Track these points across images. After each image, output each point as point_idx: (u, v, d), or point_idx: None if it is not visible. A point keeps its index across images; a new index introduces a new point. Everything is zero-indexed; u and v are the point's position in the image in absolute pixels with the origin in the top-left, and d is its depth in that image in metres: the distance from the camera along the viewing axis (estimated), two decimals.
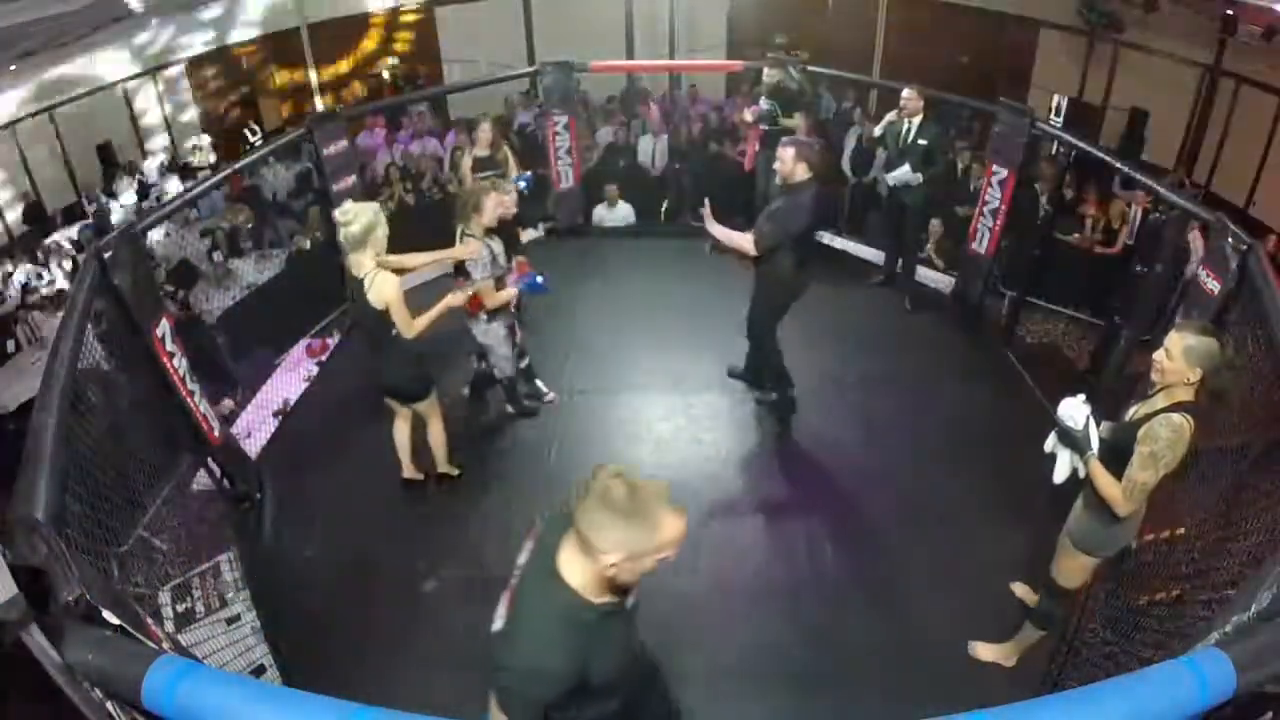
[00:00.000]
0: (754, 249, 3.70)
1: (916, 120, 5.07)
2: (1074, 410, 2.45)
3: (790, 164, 3.66)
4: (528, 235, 6.66)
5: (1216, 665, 1.30)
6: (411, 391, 3.58)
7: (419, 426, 3.75)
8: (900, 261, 5.62)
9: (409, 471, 3.89)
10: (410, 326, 3.23)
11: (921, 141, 5.06)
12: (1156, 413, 2.34)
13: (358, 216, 3.08)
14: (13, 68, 7.21)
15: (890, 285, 5.68)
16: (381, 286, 3.12)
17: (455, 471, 3.94)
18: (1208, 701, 1.28)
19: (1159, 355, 2.36)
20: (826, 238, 6.54)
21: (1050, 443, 2.57)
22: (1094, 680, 1.38)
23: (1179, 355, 2.29)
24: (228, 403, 4.58)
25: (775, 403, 4.33)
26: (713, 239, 3.86)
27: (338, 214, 3.18)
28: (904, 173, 5.12)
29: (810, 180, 3.68)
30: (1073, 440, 2.45)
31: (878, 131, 5.31)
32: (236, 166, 4.48)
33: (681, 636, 3.18)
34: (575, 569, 1.48)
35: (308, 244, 6.26)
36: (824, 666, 3.03)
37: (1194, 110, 8.01)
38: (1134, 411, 2.50)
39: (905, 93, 5.07)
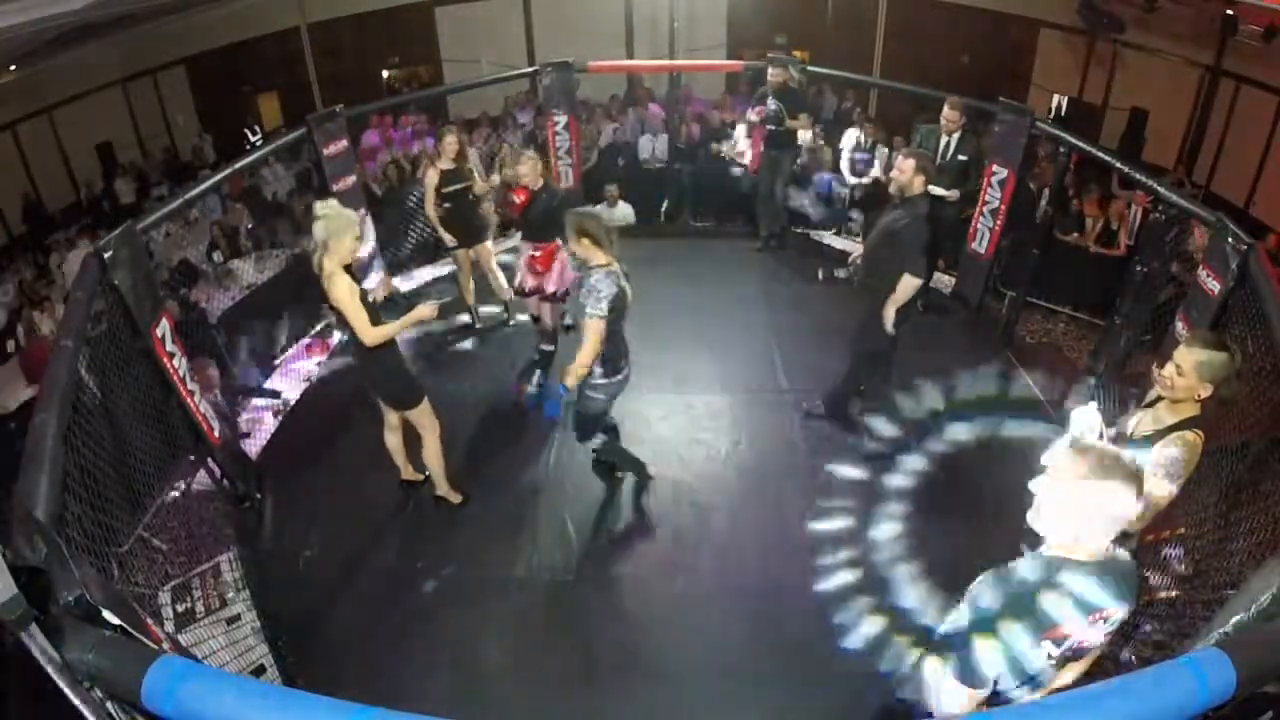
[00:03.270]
0: (918, 278, 3.65)
1: (956, 136, 5.04)
2: (1089, 419, 2.41)
3: (910, 175, 3.60)
4: (518, 238, 6.67)
5: (1216, 665, 1.30)
6: (394, 394, 3.45)
7: (411, 429, 3.63)
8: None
9: (408, 473, 3.88)
10: (367, 330, 3.08)
11: (962, 157, 5.04)
12: (1166, 429, 2.31)
13: (329, 218, 3.02)
14: (13, 68, 7.21)
15: None
16: (332, 287, 3.04)
17: (457, 498, 3.79)
18: (1208, 701, 1.28)
19: (1169, 372, 2.30)
20: (827, 238, 6.55)
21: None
22: (1094, 680, 1.39)
23: (1191, 371, 2.25)
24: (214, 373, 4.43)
25: (825, 415, 4.31)
26: (827, 268, 3.82)
27: (317, 207, 3.09)
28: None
29: (925, 194, 3.66)
30: None
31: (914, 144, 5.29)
32: (236, 166, 4.46)
33: (682, 636, 3.18)
34: None
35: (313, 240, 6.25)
36: (822, 665, 3.03)
37: (1194, 110, 8.02)
38: (1136, 422, 2.47)
39: (947, 111, 5.02)
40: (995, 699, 1.65)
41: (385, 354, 3.25)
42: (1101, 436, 2.40)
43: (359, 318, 3.07)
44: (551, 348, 4.80)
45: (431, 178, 4.67)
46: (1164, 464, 2.26)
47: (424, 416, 3.51)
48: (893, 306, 3.70)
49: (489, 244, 5.13)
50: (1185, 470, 2.26)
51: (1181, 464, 2.25)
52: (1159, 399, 2.42)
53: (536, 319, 4.89)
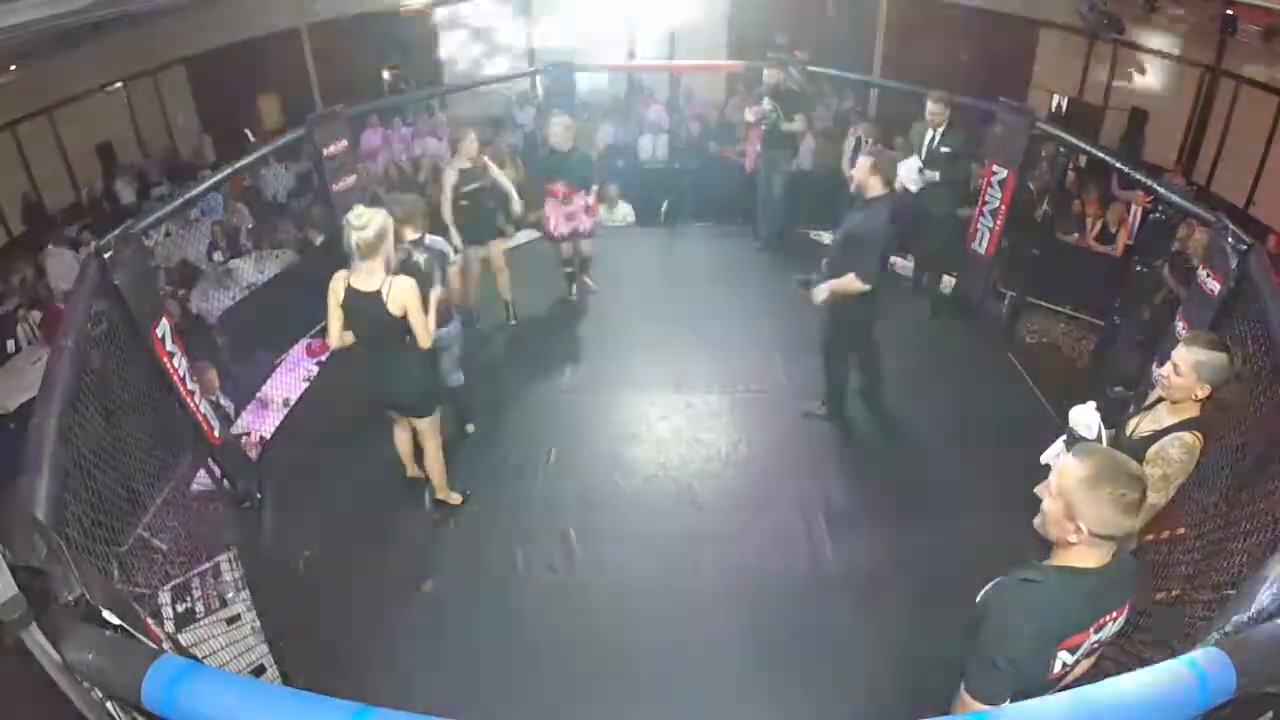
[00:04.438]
0: (866, 284, 3.63)
1: (941, 129, 5.03)
2: (1087, 417, 2.40)
3: (865, 175, 3.57)
4: (521, 237, 6.68)
5: (1216, 665, 1.30)
6: (421, 405, 3.43)
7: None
8: (925, 271, 5.55)
9: (413, 470, 3.88)
10: (426, 332, 3.11)
11: (944, 149, 5.01)
12: (1165, 430, 2.30)
13: (371, 221, 2.93)
14: (13, 68, 7.21)
15: (917, 292, 5.61)
16: (402, 290, 2.98)
17: (457, 499, 3.81)
18: (1208, 701, 1.28)
19: (1167, 371, 2.30)
20: (826, 238, 6.54)
21: (1054, 451, 2.51)
22: (1094, 680, 1.38)
23: (1189, 371, 2.24)
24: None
25: (824, 416, 4.31)
26: (800, 276, 3.85)
27: (351, 217, 2.96)
28: (910, 170, 5.00)
29: (887, 195, 3.62)
30: None
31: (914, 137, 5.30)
32: (236, 166, 4.46)
33: (681, 636, 3.18)
34: None
35: (319, 239, 6.24)
36: (825, 665, 3.03)
37: (1194, 110, 8.01)
38: (1136, 422, 2.47)
39: (931, 105, 5.01)
40: None
41: (421, 363, 3.25)
42: (1100, 435, 2.40)
43: (423, 321, 3.07)
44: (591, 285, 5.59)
45: (450, 177, 4.68)
46: (1160, 465, 2.26)
47: (433, 426, 3.52)
48: (827, 290, 3.72)
49: (500, 242, 5.17)
50: (1181, 472, 2.25)
51: (1178, 465, 2.25)
52: (1159, 400, 2.41)
53: (569, 264, 5.50)
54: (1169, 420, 2.32)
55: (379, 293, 2.99)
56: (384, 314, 3.01)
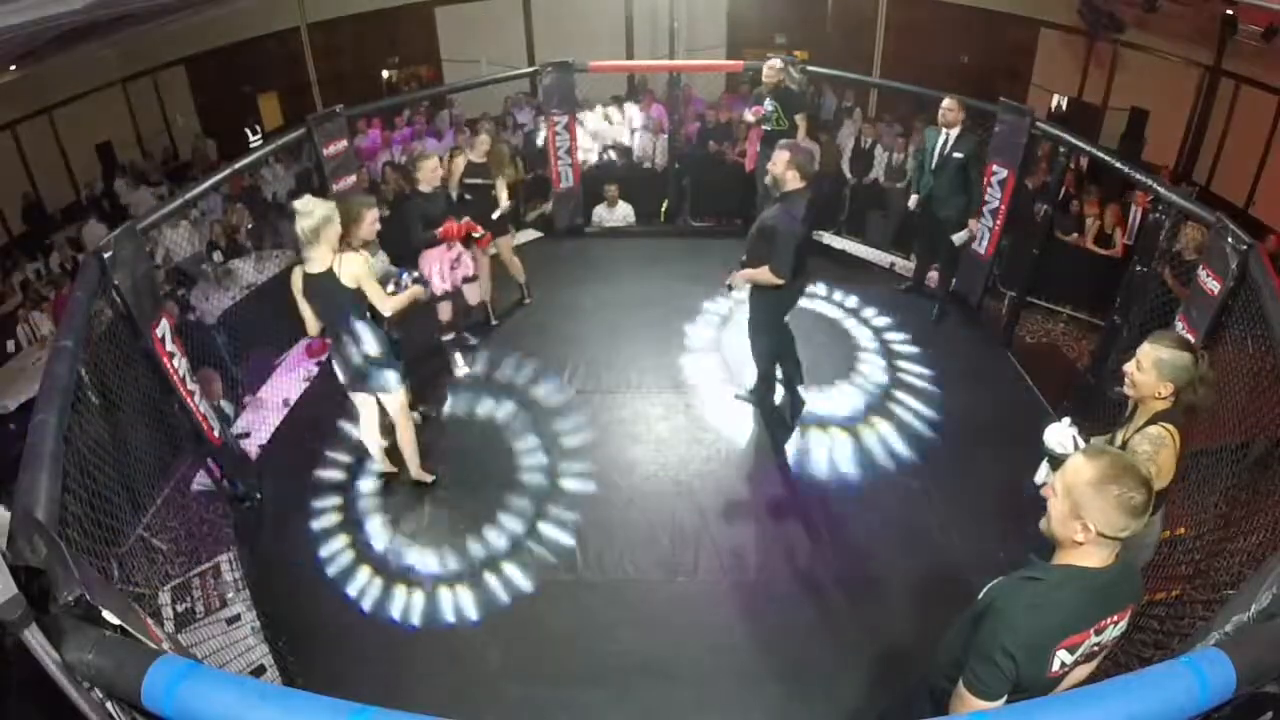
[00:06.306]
0: (779, 278, 3.64)
1: (954, 132, 4.91)
2: (1061, 436, 2.39)
3: (781, 168, 3.57)
4: (523, 237, 6.69)
5: (1216, 665, 1.30)
6: (386, 381, 3.48)
7: (387, 422, 3.71)
8: (928, 273, 5.53)
9: (393, 465, 3.91)
10: (385, 302, 3.27)
11: (958, 155, 4.91)
12: (1138, 431, 2.31)
13: (313, 211, 3.08)
14: (13, 68, 7.21)
15: (918, 292, 5.60)
16: (350, 265, 3.14)
17: (429, 478, 3.87)
18: (1208, 701, 1.28)
19: (1130, 366, 2.33)
20: (826, 238, 6.55)
21: (1042, 474, 2.50)
22: (1094, 680, 1.39)
23: (1150, 368, 2.26)
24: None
25: (753, 403, 4.37)
26: (728, 283, 3.88)
27: (298, 205, 3.13)
28: (964, 235, 5.07)
29: (804, 189, 3.61)
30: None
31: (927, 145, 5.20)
32: (236, 166, 4.46)
33: (680, 635, 3.18)
34: None
35: None
36: (822, 665, 3.03)
37: (1194, 110, 8.01)
38: (1123, 434, 2.46)
39: (945, 102, 4.91)
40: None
41: (381, 338, 3.37)
42: (1078, 449, 2.39)
43: (378, 291, 3.23)
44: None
45: (459, 164, 4.78)
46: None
47: (401, 403, 3.60)
48: (744, 276, 3.77)
49: (508, 239, 5.23)
50: (1156, 465, 2.21)
51: (1143, 456, 2.22)
52: (1135, 407, 2.42)
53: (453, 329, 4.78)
54: (1141, 421, 2.34)
55: (330, 271, 3.15)
56: (338, 290, 3.16)
